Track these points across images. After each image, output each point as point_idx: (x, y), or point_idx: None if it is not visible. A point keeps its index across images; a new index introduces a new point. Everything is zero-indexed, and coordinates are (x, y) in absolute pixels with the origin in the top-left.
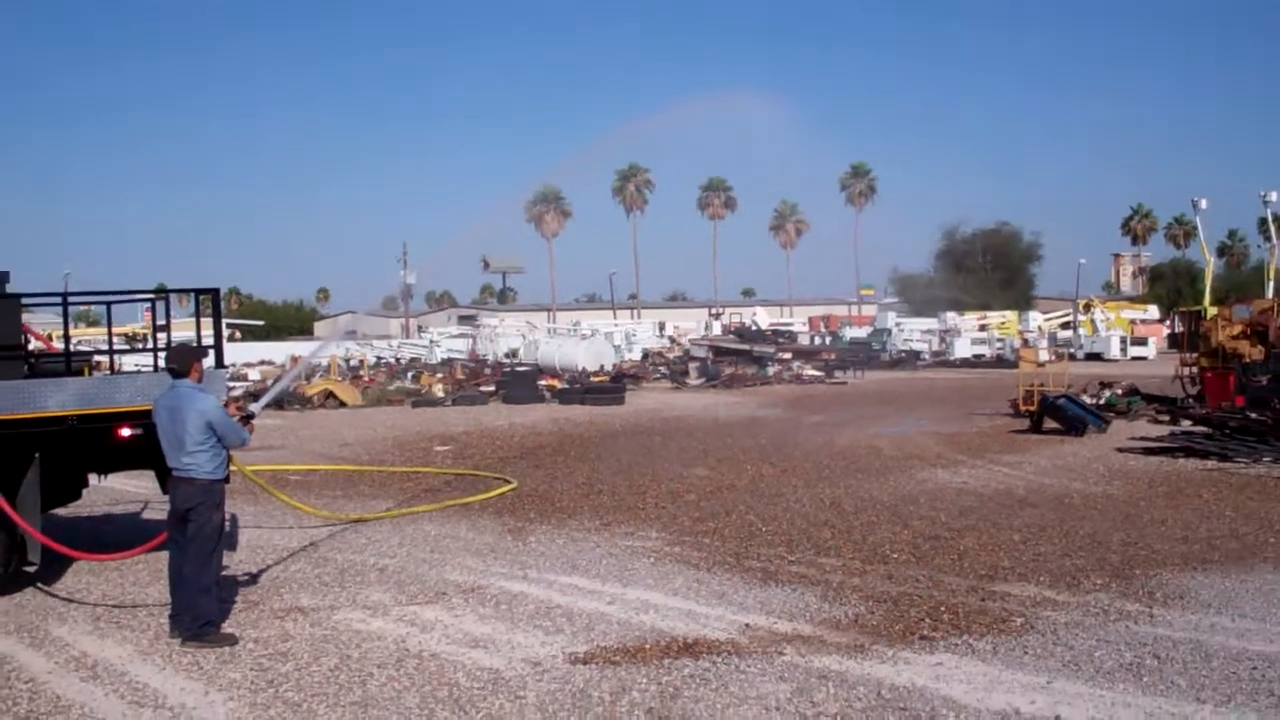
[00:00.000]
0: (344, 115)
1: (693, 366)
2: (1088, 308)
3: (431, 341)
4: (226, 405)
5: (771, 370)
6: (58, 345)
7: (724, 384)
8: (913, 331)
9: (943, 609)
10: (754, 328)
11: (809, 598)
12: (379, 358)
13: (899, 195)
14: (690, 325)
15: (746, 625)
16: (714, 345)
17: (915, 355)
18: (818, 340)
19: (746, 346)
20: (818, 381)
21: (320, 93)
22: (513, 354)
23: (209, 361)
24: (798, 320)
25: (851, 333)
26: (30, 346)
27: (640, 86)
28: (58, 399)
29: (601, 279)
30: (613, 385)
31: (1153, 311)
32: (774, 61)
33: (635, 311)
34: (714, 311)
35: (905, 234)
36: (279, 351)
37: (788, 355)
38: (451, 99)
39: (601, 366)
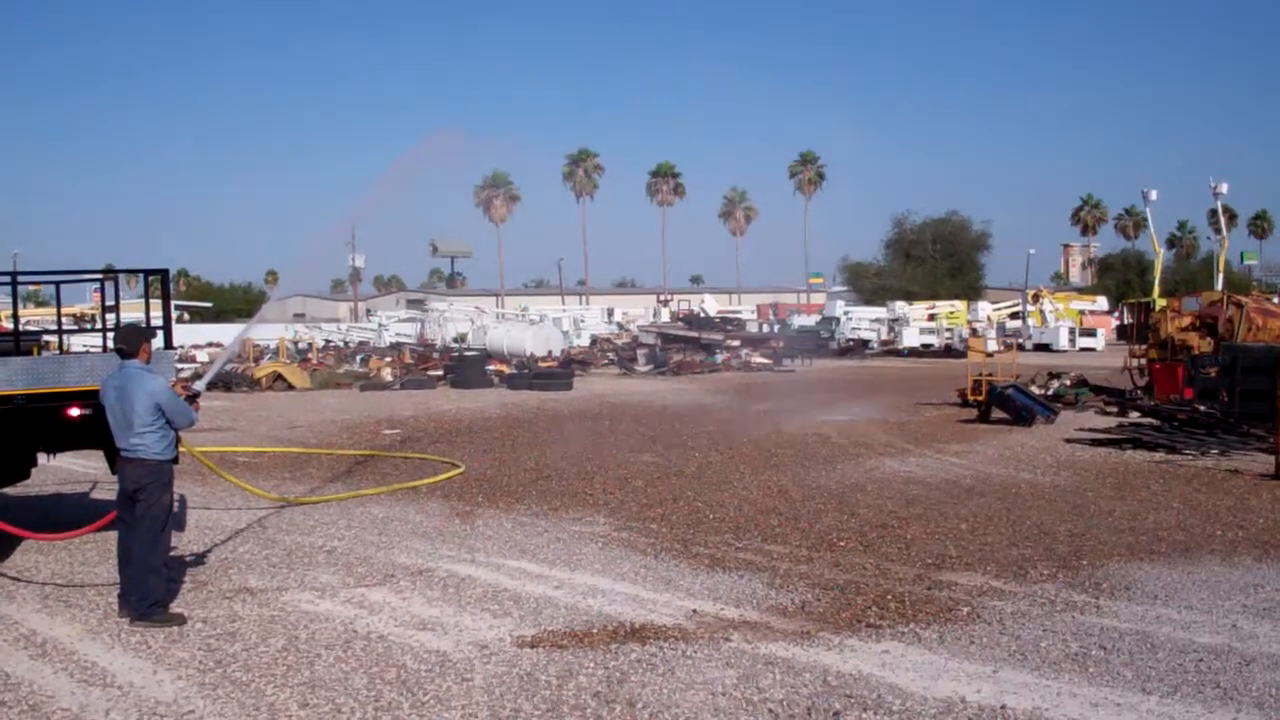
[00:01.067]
0: (292, 98)
1: (641, 353)
2: (1036, 298)
3: (380, 325)
4: (173, 385)
5: (720, 357)
6: (6, 324)
7: (672, 371)
8: (861, 320)
9: (889, 597)
10: (702, 315)
11: (756, 584)
12: (327, 341)
13: (848, 184)
14: (639, 312)
15: (694, 611)
16: (662, 332)
17: (864, 344)
18: (766, 328)
19: (695, 334)
20: (766, 369)
21: (270, 75)
22: (461, 339)
23: (158, 342)
24: (746, 308)
25: (800, 321)
26: None
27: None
28: (5, 378)
29: (550, 264)
30: (561, 371)
31: (1102, 303)
32: (722, 49)
33: (584, 298)
34: (662, 298)
35: (854, 222)
36: (227, 334)
37: (736, 343)
38: (403, 84)
39: (550, 352)
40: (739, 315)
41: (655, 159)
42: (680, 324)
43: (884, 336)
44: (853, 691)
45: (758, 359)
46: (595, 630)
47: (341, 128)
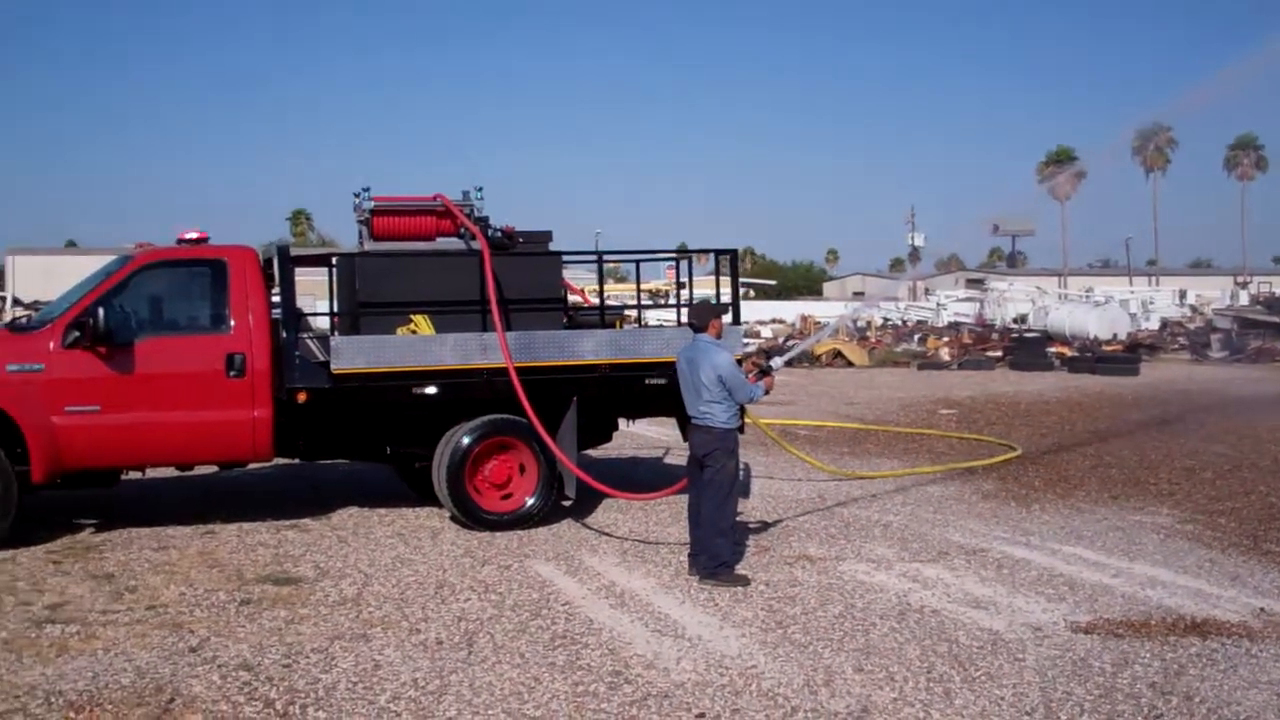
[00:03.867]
0: (852, 76)
1: (1215, 338)
2: None
3: (939, 305)
4: (743, 361)
5: None
6: (592, 300)
7: (1249, 358)
8: None
9: None
10: None
11: None
12: (886, 319)
13: None
14: (1214, 294)
15: (1261, 610)
16: (1239, 316)
17: None
18: None
19: (1277, 319)
20: None
21: (860, 54)
22: (1020, 319)
23: (728, 319)
24: None
25: None
26: (569, 300)
27: None
28: (592, 348)
29: (1116, 243)
30: (1126, 355)
31: None
32: None
33: (1153, 278)
34: (1240, 280)
35: None
36: (789, 310)
37: None
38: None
39: (1114, 335)
40: None
41: (1234, 130)
42: (1260, 308)
43: None
44: None
45: None
46: (1153, 621)
47: (902, 104)
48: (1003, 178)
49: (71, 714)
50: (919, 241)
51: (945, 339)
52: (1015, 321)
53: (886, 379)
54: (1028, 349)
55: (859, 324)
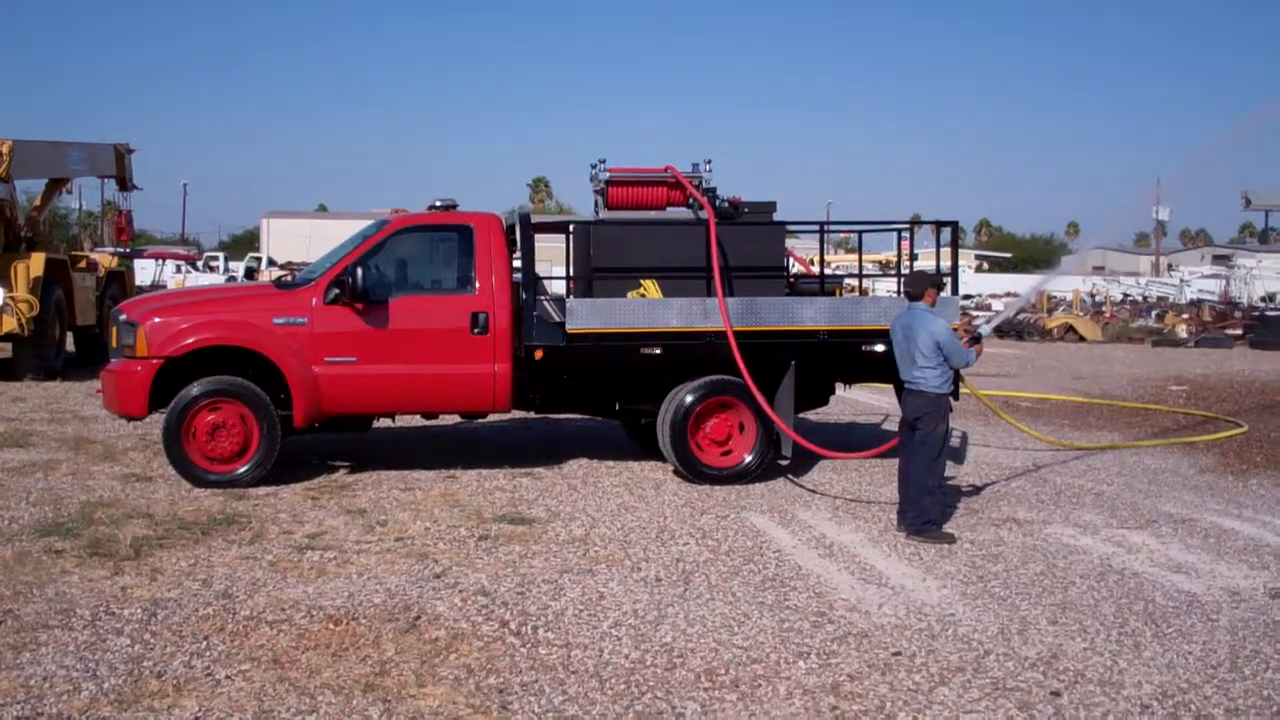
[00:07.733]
0: (1097, 44)
1: None
2: None
3: (1181, 281)
4: (956, 327)
5: None
6: (815, 269)
7: None
8: None
9: None
10: None
11: None
12: (1125, 295)
13: None
14: None
15: None
16: None
17: None
18: None
19: None
20: None
21: None
22: (1269, 297)
23: (948, 291)
24: None
25: None
26: (792, 269)
27: None
28: (811, 315)
29: None
30: None
31: None
32: None
33: None
34: None
35: None
36: (1024, 284)
37: None
38: None
39: None
40: None
41: None
42: None
43: None
44: None
45: None
46: None
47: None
48: (1257, 148)
49: (331, 625)
50: (1164, 215)
51: (1184, 316)
52: (1263, 299)
53: (1118, 354)
54: (1270, 327)
55: (1096, 299)
